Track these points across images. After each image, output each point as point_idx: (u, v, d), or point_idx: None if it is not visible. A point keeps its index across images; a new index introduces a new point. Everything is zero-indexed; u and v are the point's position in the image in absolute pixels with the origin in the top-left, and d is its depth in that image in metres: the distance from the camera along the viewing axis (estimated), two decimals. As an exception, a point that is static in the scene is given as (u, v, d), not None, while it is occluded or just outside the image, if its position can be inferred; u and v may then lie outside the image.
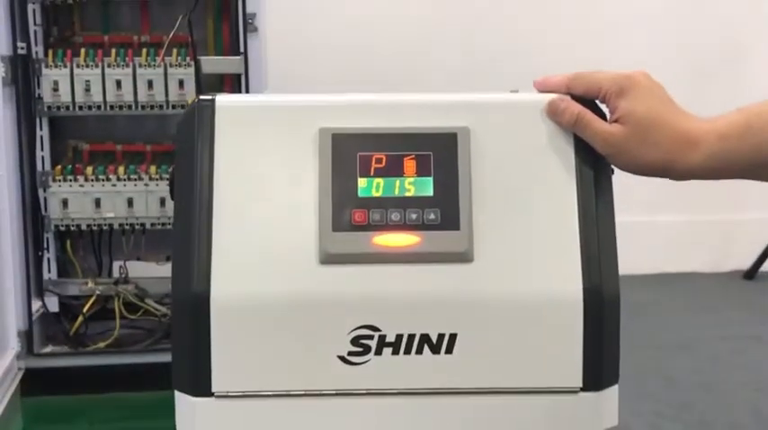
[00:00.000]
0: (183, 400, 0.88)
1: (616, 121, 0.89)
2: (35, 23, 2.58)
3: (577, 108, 0.90)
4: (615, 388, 0.89)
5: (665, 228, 3.65)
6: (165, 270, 2.62)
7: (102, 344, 2.63)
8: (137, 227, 2.61)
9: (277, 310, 0.86)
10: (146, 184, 2.57)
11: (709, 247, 3.66)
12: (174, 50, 2.55)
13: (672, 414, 2.45)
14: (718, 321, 3.15)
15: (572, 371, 0.87)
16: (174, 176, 0.90)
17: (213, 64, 2.53)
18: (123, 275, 2.65)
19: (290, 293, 0.86)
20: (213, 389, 0.86)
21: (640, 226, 3.57)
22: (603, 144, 0.89)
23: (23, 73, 2.51)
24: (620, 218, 0.90)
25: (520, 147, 0.90)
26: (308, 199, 0.88)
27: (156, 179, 2.57)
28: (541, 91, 0.92)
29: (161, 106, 2.54)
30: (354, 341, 0.86)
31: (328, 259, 0.87)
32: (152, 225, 2.60)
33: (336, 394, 0.87)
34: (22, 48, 2.49)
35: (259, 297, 0.86)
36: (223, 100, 0.89)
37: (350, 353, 0.86)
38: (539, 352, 0.87)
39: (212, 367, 0.86)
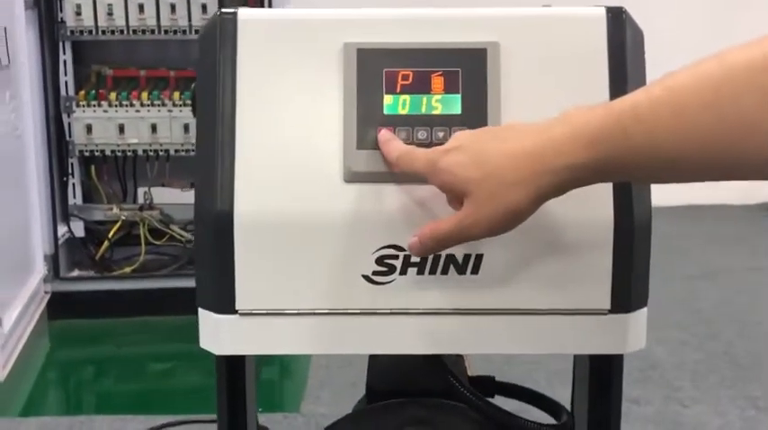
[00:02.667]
0: (206, 318, 0.87)
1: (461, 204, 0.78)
2: (56, -55, 2.55)
3: (435, 235, 0.79)
4: (644, 311, 0.88)
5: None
6: (190, 196, 2.62)
7: (127, 269, 2.65)
8: (161, 153, 2.61)
9: (300, 229, 0.85)
10: (169, 110, 2.56)
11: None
12: (197, -27, 2.51)
13: (696, 343, 2.44)
14: (746, 252, 3.12)
15: (601, 292, 0.86)
16: (196, 93, 0.88)
17: (236, -14, 2.50)
18: (148, 201, 2.65)
19: (313, 211, 0.85)
20: (237, 307, 0.86)
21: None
22: (478, 234, 0.78)
23: (46, -4, 2.48)
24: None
25: (551, 63, 0.87)
26: (332, 116, 0.86)
27: (180, 105, 2.56)
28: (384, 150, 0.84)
29: (184, 31, 2.52)
30: (379, 260, 0.85)
31: (353, 177, 0.85)
32: (176, 151, 2.60)
33: (360, 313, 0.86)
34: (44, -30, 2.46)
35: (282, 215, 0.85)
36: (245, 13, 0.87)
37: (374, 273, 0.85)
38: (567, 273, 0.85)
39: (236, 285, 0.85)
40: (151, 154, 2.61)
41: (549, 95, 0.86)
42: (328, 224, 0.85)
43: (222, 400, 0.94)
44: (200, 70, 0.89)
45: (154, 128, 2.57)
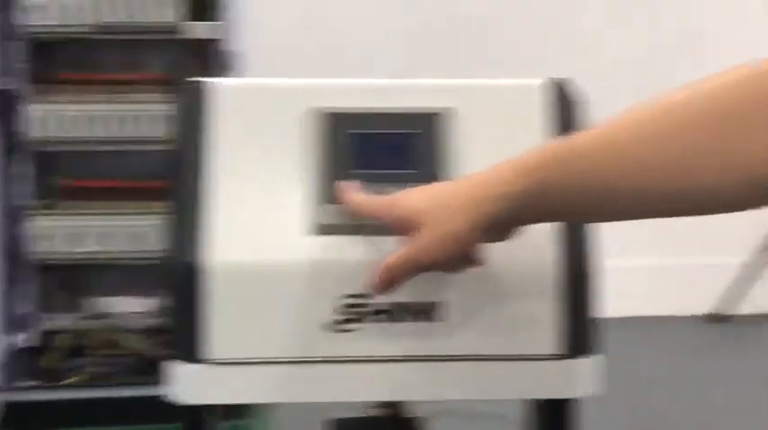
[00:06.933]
0: (175, 367, 0.90)
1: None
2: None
3: (388, 265, 0.86)
4: (594, 357, 0.93)
5: (636, 271, 3.69)
6: (143, 305, 2.63)
7: (78, 379, 2.62)
8: (115, 263, 2.62)
9: (268, 280, 0.89)
10: (124, 221, 2.60)
11: (680, 290, 3.70)
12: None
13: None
14: (690, 361, 3.18)
15: (550, 339, 0.91)
16: (171, 155, 0.94)
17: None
18: (101, 311, 2.65)
19: (277, 263, 0.90)
20: (205, 356, 0.89)
21: (612, 269, 3.61)
22: (426, 261, 0.84)
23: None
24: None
25: (505, 129, 0.95)
26: (299, 173, 0.92)
27: (134, 215, 2.60)
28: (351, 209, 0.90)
29: (144, 142, 2.58)
30: (339, 310, 0.90)
31: (319, 230, 0.91)
32: (131, 260, 2.61)
33: (326, 361, 0.90)
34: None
35: (247, 266, 0.89)
36: (216, 81, 0.94)
37: (340, 322, 0.90)
38: (516, 318, 0.91)
39: (204, 334, 0.89)
40: (105, 263, 2.63)
41: (502, 155, 0.93)
42: (291, 275, 0.90)
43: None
44: (173, 134, 0.95)
45: (108, 237, 2.60)
